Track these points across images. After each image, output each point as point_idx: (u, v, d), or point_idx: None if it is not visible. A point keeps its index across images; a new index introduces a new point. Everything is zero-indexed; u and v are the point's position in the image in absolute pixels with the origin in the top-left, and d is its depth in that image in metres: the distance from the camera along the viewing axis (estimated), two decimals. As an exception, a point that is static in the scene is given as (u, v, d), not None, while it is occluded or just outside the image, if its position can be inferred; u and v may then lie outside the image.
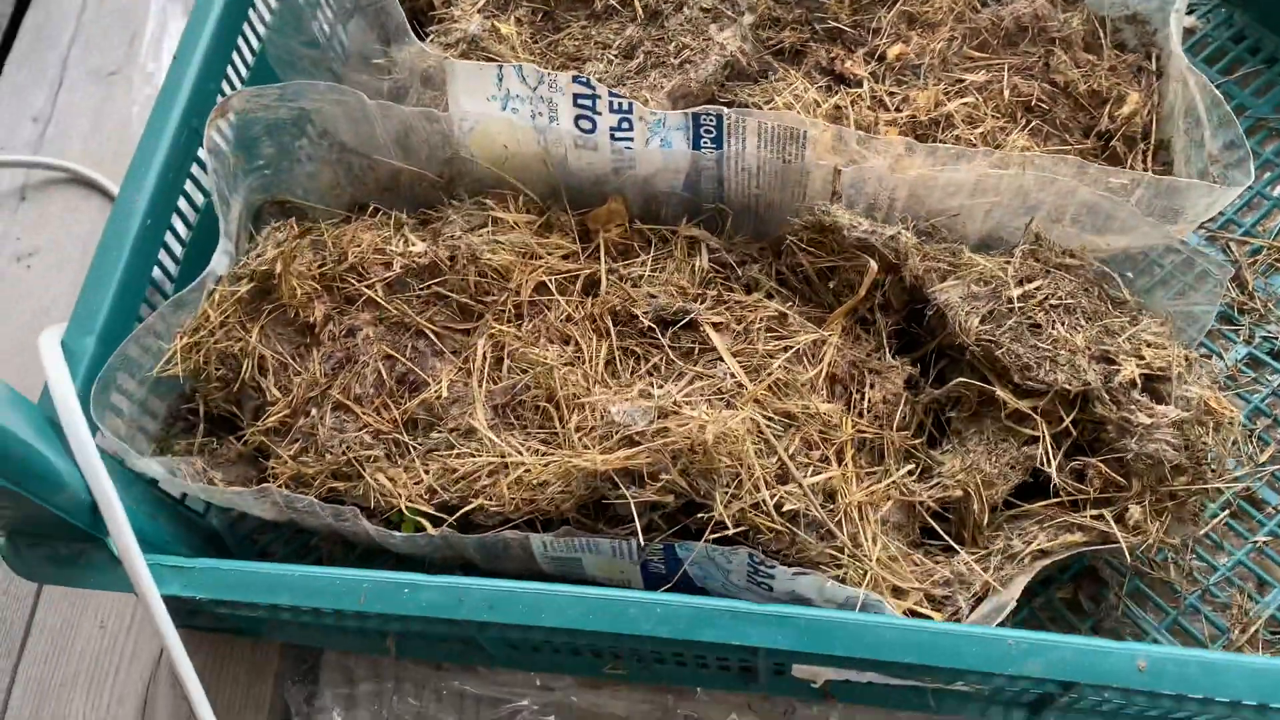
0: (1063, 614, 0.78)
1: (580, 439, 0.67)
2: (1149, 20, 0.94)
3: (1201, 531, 0.79)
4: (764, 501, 0.62)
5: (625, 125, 0.78)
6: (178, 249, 0.82)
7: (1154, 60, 0.91)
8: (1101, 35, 0.92)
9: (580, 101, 0.78)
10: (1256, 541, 0.79)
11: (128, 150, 1.09)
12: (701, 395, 0.68)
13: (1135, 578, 0.78)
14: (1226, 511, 0.80)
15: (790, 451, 0.65)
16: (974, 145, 0.84)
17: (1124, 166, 0.86)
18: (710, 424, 0.62)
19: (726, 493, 0.63)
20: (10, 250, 1.08)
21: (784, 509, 0.63)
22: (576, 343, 0.74)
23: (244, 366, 0.75)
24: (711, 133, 0.77)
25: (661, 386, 0.69)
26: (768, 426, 0.66)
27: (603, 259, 0.79)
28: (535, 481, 0.65)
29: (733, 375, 0.69)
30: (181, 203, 0.82)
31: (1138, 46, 0.93)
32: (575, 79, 0.76)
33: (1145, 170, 0.86)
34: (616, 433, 0.65)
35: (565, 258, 0.80)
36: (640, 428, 0.65)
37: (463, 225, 0.81)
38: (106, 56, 1.20)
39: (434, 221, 0.83)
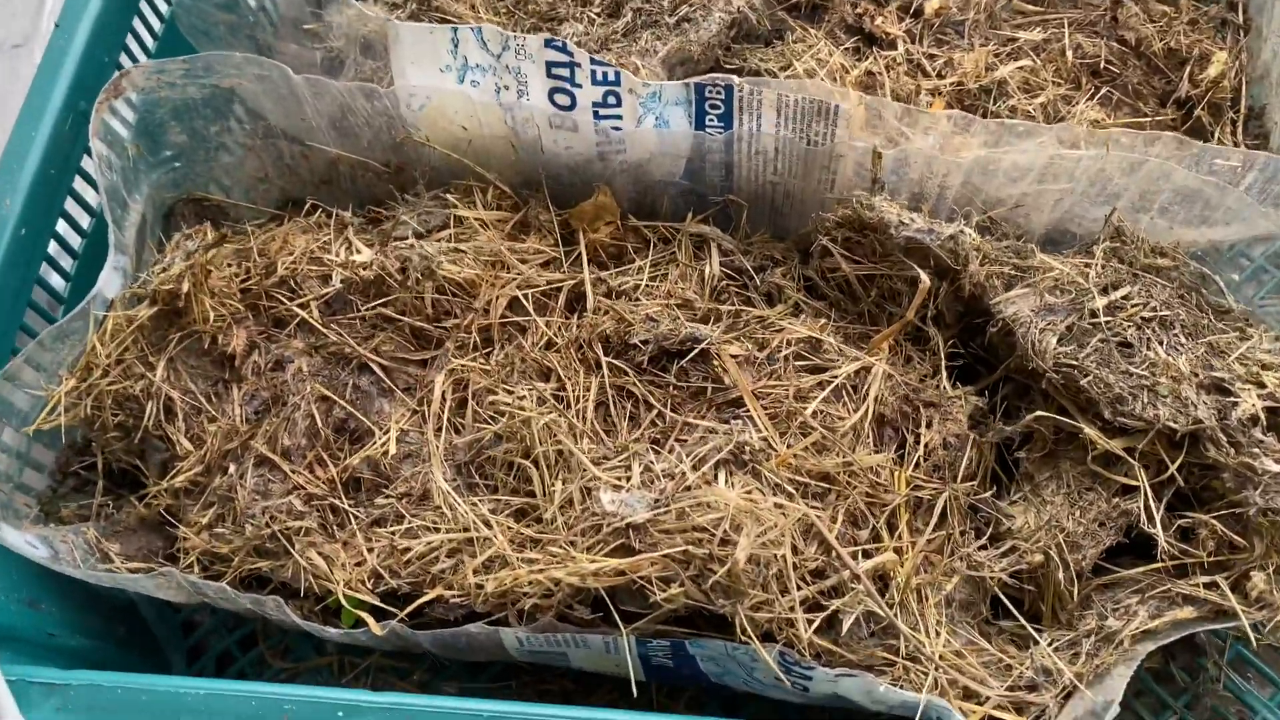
0: (1151, 687, 0.65)
1: (565, 517, 0.52)
2: (1231, -38, 0.79)
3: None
4: (798, 615, 0.48)
5: (611, 100, 0.63)
6: (67, 261, 0.67)
7: (1240, 11, 0.77)
8: (1178, -20, 0.78)
9: (556, 71, 0.63)
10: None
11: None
12: (717, 461, 0.53)
13: (1238, 642, 0.65)
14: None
15: (835, 530, 0.51)
16: (1033, 118, 0.70)
17: (1210, 139, 0.72)
18: (741, 539, 0.47)
19: (752, 606, 0.48)
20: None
21: (831, 619, 0.49)
22: (559, 378, 0.60)
23: (147, 411, 0.61)
24: (719, 108, 0.62)
25: (664, 446, 0.54)
26: (803, 501, 0.52)
27: (586, 268, 0.65)
28: (508, 583, 0.50)
29: (758, 429, 0.55)
30: (70, 204, 0.67)
31: (1219, -7, 0.79)
32: (549, 43, 0.61)
33: (1236, 144, 0.72)
34: (610, 524, 0.50)
35: (544, 265, 0.66)
36: (641, 518, 0.50)
37: (417, 227, 0.66)
38: (10, 26, 1.04)
39: (383, 222, 0.69)
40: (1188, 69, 0.74)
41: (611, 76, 0.62)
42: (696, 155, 0.66)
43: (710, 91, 0.61)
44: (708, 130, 0.63)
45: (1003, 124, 0.59)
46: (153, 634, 0.68)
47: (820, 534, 0.52)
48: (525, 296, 0.64)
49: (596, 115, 0.64)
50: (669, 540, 0.49)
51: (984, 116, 0.70)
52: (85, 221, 0.69)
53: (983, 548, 0.57)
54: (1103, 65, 0.73)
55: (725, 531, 0.48)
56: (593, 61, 0.61)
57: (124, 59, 0.72)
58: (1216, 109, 0.73)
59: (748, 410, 0.57)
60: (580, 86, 0.63)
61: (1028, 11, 0.76)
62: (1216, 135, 0.72)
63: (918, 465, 0.57)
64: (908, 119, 0.61)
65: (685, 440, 0.56)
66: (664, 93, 0.62)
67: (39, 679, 0.51)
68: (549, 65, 0.62)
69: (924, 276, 0.58)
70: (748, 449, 0.54)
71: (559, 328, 0.62)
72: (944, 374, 0.61)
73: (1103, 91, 0.72)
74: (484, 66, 0.64)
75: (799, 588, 0.50)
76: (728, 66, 0.72)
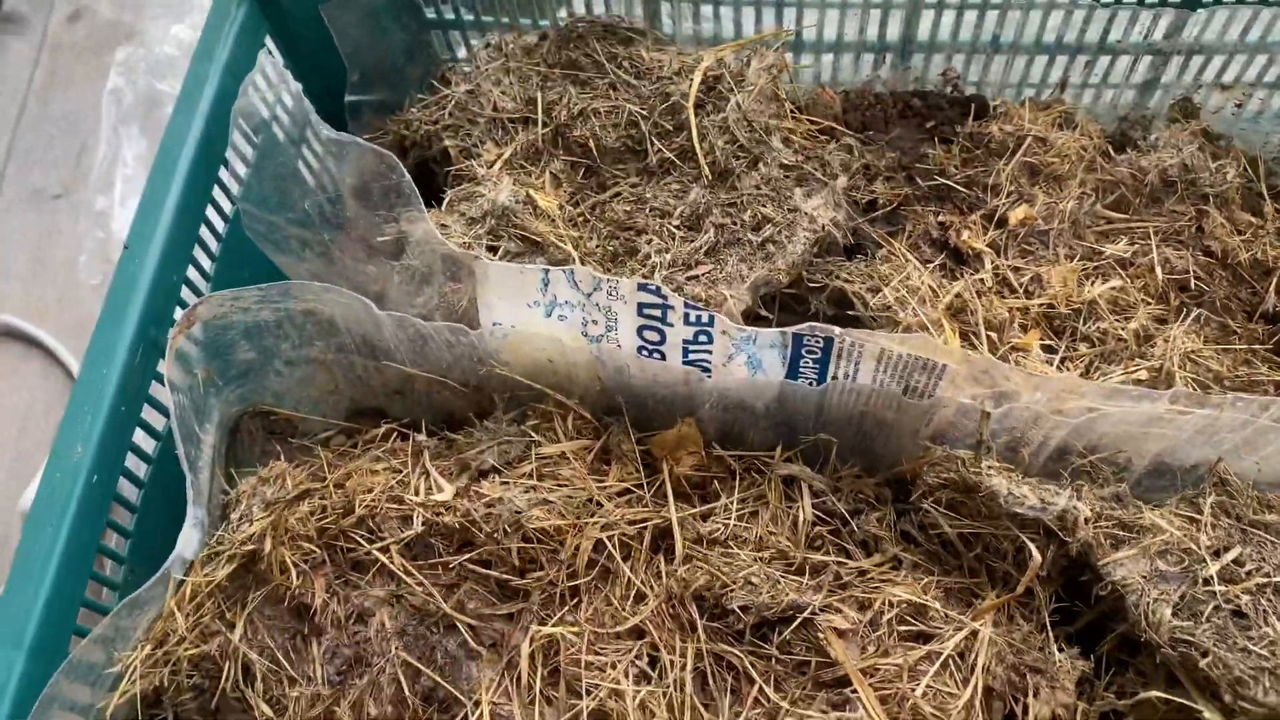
0: None
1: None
2: (1311, 163, 0.78)
3: None
4: None
5: (703, 339, 0.62)
6: (134, 495, 0.65)
7: (1327, 219, 0.76)
8: (1260, 185, 0.77)
9: (647, 311, 0.61)
10: None
11: (72, 298, 0.93)
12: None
13: None
14: None
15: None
16: (1124, 342, 0.68)
17: (1301, 357, 0.71)
18: None
19: None
20: (-68, 424, 0.90)
21: None
22: (653, 642, 0.58)
23: (224, 672, 0.58)
24: (815, 353, 0.61)
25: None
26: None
27: (673, 508, 0.63)
28: None
29: (869, 713, 0.53)
30: (139, 435, 0.64)
31: (1298, 195, 0.78)
32: (642, 287, 0.60)
33: (1325, 362, 0.71)
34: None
35: (629, 500, 0.64)
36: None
37: (496, 461, 0.64)
38: (49, 175, 1.01)
39: (460, 446, 0.66)
40: (1274, 281, 0.73)
41: (705, 320, 0.60)
42: (789, 394, 0.64)
43: (808, 341, 0.60)
44: (801, 377, 0.61)
45: (1116, 389, 0.58)
46: None
47: (943, 846, 0.50)
48: (610, 539, 0.62)
49: (686, 353, 0.62)
50: None
51: (1074, 339, 0.69)
52: (150, 447, 0.67)
53: (1098, 832, 0.55)
54: (1192, 281, 0.72)
55: None
56: (687, 305, 0.60)
57: (191, 271, 0.70)
58: (1306, 324, 0.72)
59: (855, 690, 0.55)
60: (672, 326, 0.61)
61: (1113, 219, 0.74)
62: (1307, 352, 0.71)
63: (1029, 745, 0.55)
64: (1014, 374, 0.60)
65: (793, 724, 0.54)
66: (759, 338, 0.60)
67: None
68: (640, 306, 0.61)
69: (1035, 552, 0.56)
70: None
71: (647, 576, 0.60)
72: (1049, 635, 0.59)
73: (1194, 313, 0.71)
74: (573, 303, 0.62)
75: None
76: (811, 283, 0.70)
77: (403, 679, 0.58)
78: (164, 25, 0.93)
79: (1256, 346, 0.71)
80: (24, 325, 0.92)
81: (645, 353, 0.63)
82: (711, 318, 0.60)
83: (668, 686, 0.56)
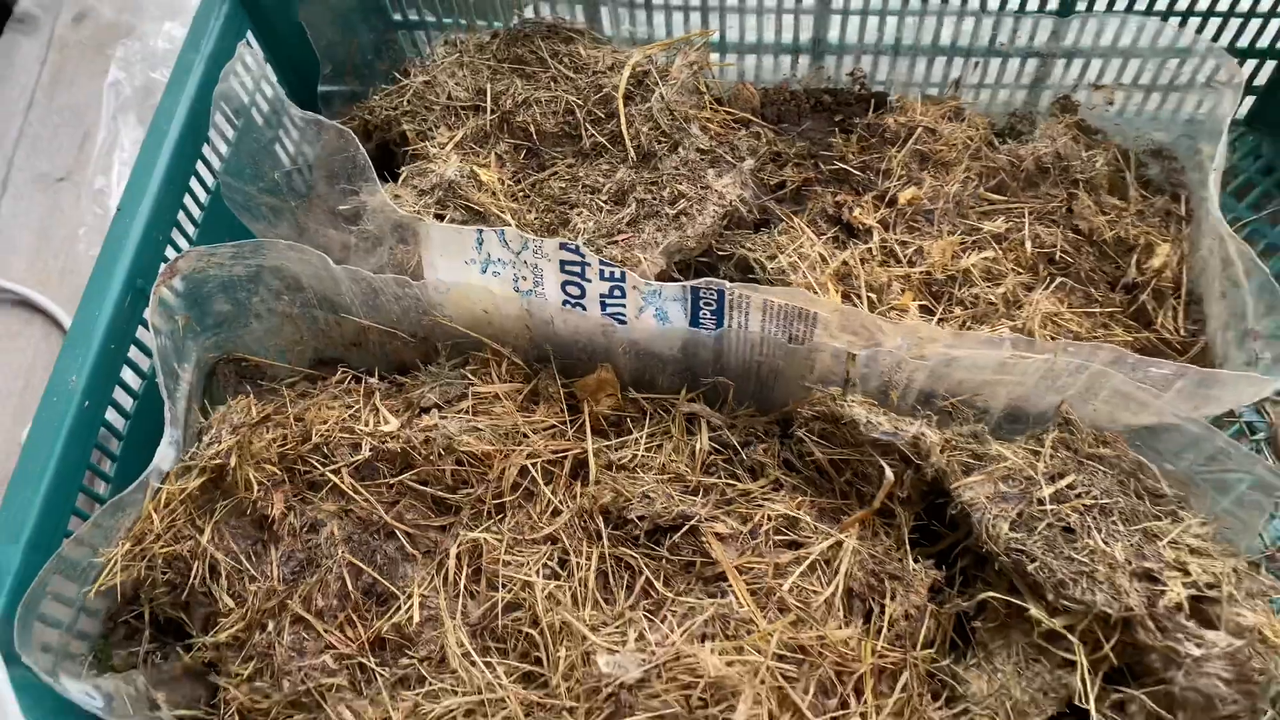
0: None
1: (568, 685, 0.59)
2: (1176, 156, 0.88)
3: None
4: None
5: (617, 293, 0.71)
6: (120, 424, 0.74)
7: (1183, 203, 0.85)
8: (1127, 174, 0.86)
9: (568, 268, 0.71)
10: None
11: (74, 269, 1.03)
12: (706, 633, 0.60)
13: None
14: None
15: (808, 701, 0.58)
16: (994, 305, 0.78)
17: (1153, 324, 0.80)
18: (739, 706, 0.55)
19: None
20: (-59, 380, 1.00)
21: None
22: (564, 547, 0.67)
23: (194, 570, 0.67)
24: (711, 305, 0.70)
25: (657, 616, 0.62)
26: (780, 672, 0.59)
27: (590, 441, 0.72)
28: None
29: (740, 604, 0.62)
30: (125, 373, 0.74)
31: (1165, 185, 0.87)
32: (563, 245, 0.69)
33: (1177, 328, 0.80)
34: (606, 686, 0.58)
35: (552, 436, 0.73)
36: (633, 677, 0.57)
37: (438, 398, 0.74)
38: (54, 161, 1.11)
39: (407, 388, 0.76)
40: (1135, 257, 0.82)
41: (618, 275, 0.70)
42: (691, 338, 0.73)
43: (704, 293, 0.69)
44: (701, 326, 0.71)
45: (963, 334, 0.67)
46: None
47: (795, 704, 0.59)
48: (534, 465, 0.71)
49: (604, 305, 0.72)
50: (659, 700, 0.56)
51: (950, 304, 0.79)
52: (135, 384, 0.76)
53: (939, 709, 0.64)
54: (1059, 254, 0.81)
55: (712, 693, 0.55)
56: (601, 263, 0.69)
57: (175, 234, 0.79)
58: (1160, 295, 0.81)
59: (731, 585, 0.64)
60: (590, 281, 0.71)
61: (992, 200, 0.84)
62: (1160, 320, 0.80)
63: (882, 635, 0.64)
64: (880, 323, 0.69)
65: (676, 611, 0.63)
66: (664, 291, 0.70)
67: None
68: (562, 263, 0.70)
69: (889, 471, 0.66)
70: (731, 622, 0.61)
71: (564, 496, 0.70)
72: (908, 549, 0.68)
73: (1058, 280, 0.80)
74: (504, 261, 0.71)
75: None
76: (720, 253, 0.80)
77: (347, 577, 0.67)
78: (159, 24, 1.03)
79: (1114, 310, 0.80)
80: (28, 292, 1.01)
81: (568, 305, 0.72)
82: (623, 274, 0.70)
83: (574, 583, 0.65)
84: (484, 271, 0.73)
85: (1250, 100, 0.94)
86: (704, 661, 0.58)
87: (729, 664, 0.59)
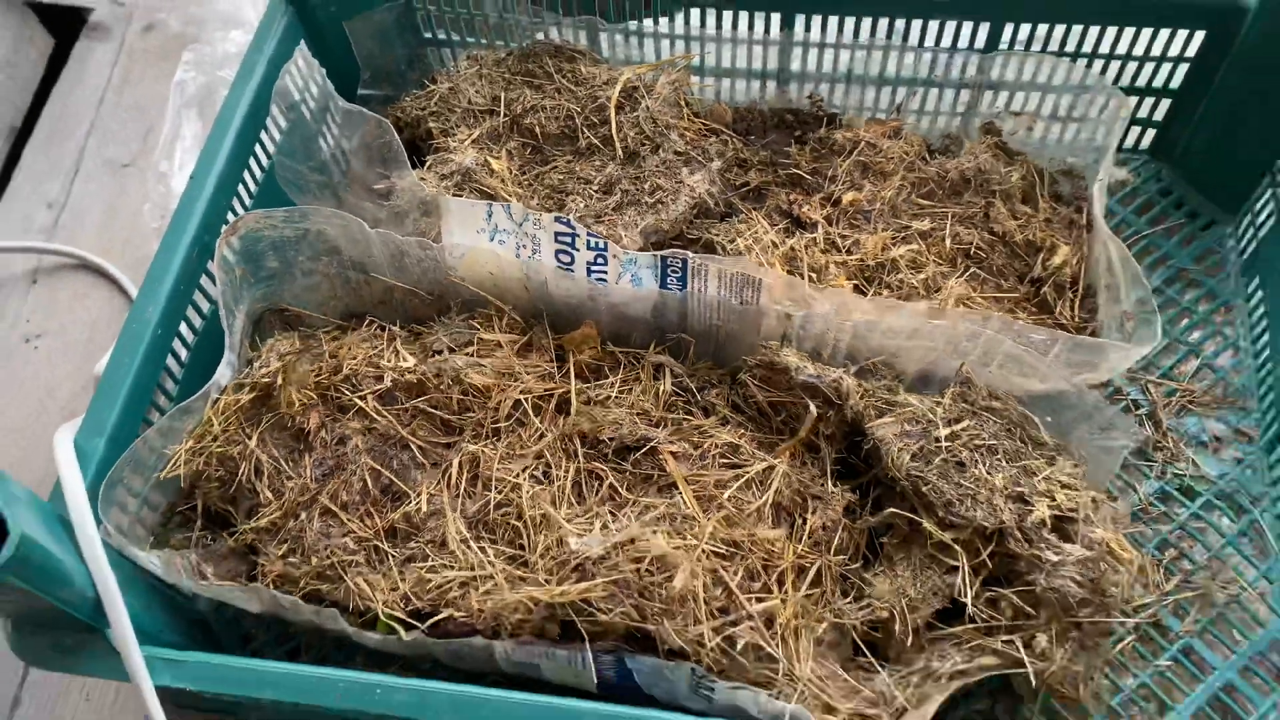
0: (981, 727, 0.85)
1: (544, 562, 0.74)
2: (1083, 175, 1.04)
3: (1109, 655, 0.86)
4: (708, 634, 0.69)
5: (600, 261, 0.86)
6: (184, 353, 0.89)
7: (1085, 214, 1.01)
8: (1039, 188, 1.02)
9: (560, 238, 0.86)
10: (1159, 665, 0.86)
11: (136, 241, 1.19)
12: (657, 525, 0.75)
13: (1048, 695, 0.85)
14: (1133, 637, 0.87)
15: (736, 582, 0.73)
16: (915, 289, 0.93)
17: (1053, 312, 0.95)
18: (677, 573, 0.69)
19: (675, 625, 0.70)
20: (20, 331, 1.15)
21: (732, 642, 0.70)
22: (547, 462, 0.82)
23: (241, 470, 0.82)
24: (677, 272, 0.85)
25: (620, 513, 0.76)
26: (716, 559, 0.73)
27: (573, 383, 0.87)
28: (501, 604, 0.72)
29: (687, 505, 0.77)
30: (190, 313, 0.89)
31: (1072, 199, 1.03)
32: (557, 219, 0.85)
33: (1073, 315, 0.95)
34: (574, 560, 0.72)
35: (542, 378, 0.88)
36: (596, 553, 0.72)
37: (449, 343, 0.89)
38: (121, 149, 1.28)
39: (424, 336, 0.91)
40: (1040, 256, 0.97)
41: (601, 245, 0.85)
42: (661, 302, 0.89)
43: (671, 261, 0.84)
44: (669, 289, 0.86)
45: (881, 300, 0.82)
46: (220, 643, 0.89)
47: (725, 582, 0.73)
48: (525, 400, 0.86)
49: (589, 271, 0.87)
50: (615, 570, 0.70)
51: (879, 287, 0.94)
52: (199, 324, 0.91)
53: (848, 603, 0.79)
54: (974, 250, 0.96)
55: (658, 567, 0.70)
56: (589, 234, 0.85)
57: (235, 203, 0.95)
58: (1060, 288, 0.96)
59: (681, 492, 0.79)
60: (578, 250, 0.86)
61: (922, 205, 0.99)
62: (1059, 308, 0.95)
63: (802, 540, 0.79)
64: (815, 290, 0.84)
65: (634, 510, 0.77)
66: (639, 259, 0.85)
67: (163, 655, 0.71)
68: (556, 234, 0.86)
69: (813, 408, 0.81)
70: (678, 518, 0.76)
71: (549, 426, 0.84)
72: (829, 476, 0.83)
73: (972, 270, 0.96)
74: (509, 231, 0.87)
75: (709, 619, 0.71)
76: (689, 236, 0.95)
77: (368, 479, 0.82)
78: (224, 31, 1.20)
79: (1019, 299, 0.95)
80: (95, 258, 1.17)
81: (561, 269, 0.88)
82: (606, 244, 0.85)
83: (553, 488, 0.80)
84: (491, 239, 0.88)
85: (1152, 133, 1.09)
86: (653, 543, 0.73)
87: (675, 548, 0.73)
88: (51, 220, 1.23)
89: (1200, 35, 0.99)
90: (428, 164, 0.98)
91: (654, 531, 0.75)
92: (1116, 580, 0.77)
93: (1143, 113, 1.08)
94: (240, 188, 0.96)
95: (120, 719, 0.93)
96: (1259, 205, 1.01)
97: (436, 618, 0.75)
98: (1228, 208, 1.06)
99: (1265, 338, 0.97)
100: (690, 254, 0.83)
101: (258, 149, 0.98)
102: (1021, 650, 0.76)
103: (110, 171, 1.26)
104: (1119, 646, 0.87)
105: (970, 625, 0.78)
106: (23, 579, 0.66)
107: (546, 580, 0.74)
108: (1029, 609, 0.77)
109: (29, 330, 1.15)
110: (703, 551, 0.74)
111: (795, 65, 1.07)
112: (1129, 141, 1.11)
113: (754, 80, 1.09)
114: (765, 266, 0.89)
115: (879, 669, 0.77)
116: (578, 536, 0.74)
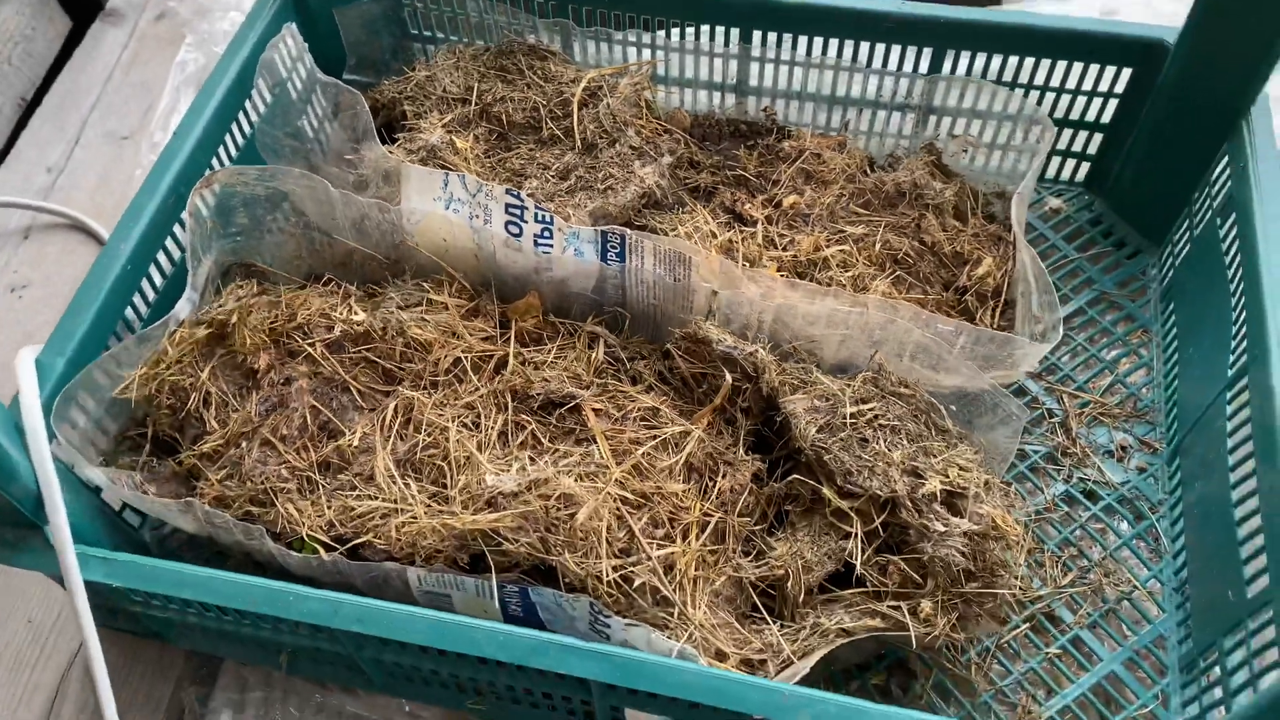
0: (873, 697, 0.88)
1: (461, 497, 0.79)
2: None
3: (1003, 639, 0.90)
4: (607, 571, 0.74)
5: (546, 234, 0.92)
6: (151, 294, 0.95)
7: (1010, 230, 1.07)
8: (973, 206, 1.08)
9: (510, 210, 0.92)
10: (1049, 653, 0.90)
11: (125, 205, 1.25)
12: (571, 470, 0.80)
13: (941, 673, 0.89)
14: (1027, 625, 0.91)
15: (640, 527, 0.77)
16: (843, 286, 0.99)
17: (974, 319, 1.01)
18: (582, 508, 0.74)
19: (576, 558, 0.74)
20: (6, 281, 1.21)
21: (629, 580, 0.74)
22: (478, 412, 0.87)
23: (191, 399, 0.87)
24: (616, 248, 0.91)
25: (539, 459, 0.81)
26: (623, 504, 0.78)
27: (513, 344, 0.93)
28: (417, 530, 0.76)
29: (602, 456, 0.82)
30: (160, 256, 0.95)
31: (1003, 219, 1.09)
32: (508, 191, 0.91)
33: (993, 321, 1.01)
34: (488, 494, 0.77)
35: (485, 340, 0.93)
36: (509, 489, 0.77)
37: (399, 301, 0.94)
38: (122, 122, 1.35)
39: (377, 296, 0.97)
40: (966, 267, 1.03)
41: (548, 218, 0.91)
42: (601, 278, 0.94)
43: (610, 236, 0.90)
44: (608, 263, 0.92)
45: (801, 284, 0.88)
46: (158, 569, 0.93)
47: (629, 526, 0.78)
48: (465, 358, 0.91)
49: (536, 243, 0.93)
50: (524, 504, 0.75)
51: (810, 282, 1.00)
52: (168, 269, 0.97)
53: (750, 561, 0.83)
54: (903, 256, 1.02)
55: (565, 504, 0.75)
56: (537, 207, 0.91)
57: (215, 161, 1.02)
58: (982, 297, 1.02)
59: (598, 444, 0.84)
60: (526, 222, 0.92)
61: (859, 213, 1.05)
62: (980, 316, 1.01)
63: (710, 500, 0.83)
64: (744, 273, 0.90)
65: (552, 456, 0.82)
66: (581, 233, 0.91)
67: (95, 553, 0.76)
68: (506, 206, 0.92)
69: (728, 377, 0.86)
70: (592, 465, 0.81)
71: (485, 382, 0.90)
72: (741, 445, 0.88)
73: (899, 274, 1.01)
74: (463, 200, 0.93)
75: (610, 558, 0.76)
76: (637, 224, 1.02)
77: (308, 415, 0.87)
78: (224, 13, 1.28)
79: (940, 301, 1.01)
80: (85, 218, 1.24)
81: (509, 241, 0.94)
82: (552, 218, 0.91)
83: (480, 435, 0.85)
84: (446, 208, 0.94)
85: (1086, 166, 1.16)
86: (562, 482, 0.78)
87: (584, 488, 0.78)
88: (50, 183, 1.30)
89: (1127, 72, 1.05)
90: (398, 141, 1.05)
91: (566, 473, 0.80)
92: (1004, 559, 0.82)
93: (1078, 146, 1.14)
94: (220, 150, 1.02)
95: (58, 641, 0.97)
96: (1177, 236, 1.07)
97: (356, 541, 0.79)
98: (1152, 238, 1.12)
99: (1175, 358, 1.02)
100: (627, 230, 0.89)
101: (241, 116, 1.05)
102: (906, 615, 0.80)
103: (110, 142, 1.33)
104: (1013, 634, 0.91)
105: (860, 590, 0.82)
106: (-29, 465, 0.71)
107: (460, 512, 0.78)
108: (918, 577, 0.81)
109: (15, 280, 1.21)
110: (609, 495, 0.78)
111: (753, 80, 1.14)
112: (1065, 174, 1.17)
113: (715, 91, 1.16)
114: (698, 246, 0.95)
115: (771, 624, 0.81)
116: (495, 475, 0.79)
